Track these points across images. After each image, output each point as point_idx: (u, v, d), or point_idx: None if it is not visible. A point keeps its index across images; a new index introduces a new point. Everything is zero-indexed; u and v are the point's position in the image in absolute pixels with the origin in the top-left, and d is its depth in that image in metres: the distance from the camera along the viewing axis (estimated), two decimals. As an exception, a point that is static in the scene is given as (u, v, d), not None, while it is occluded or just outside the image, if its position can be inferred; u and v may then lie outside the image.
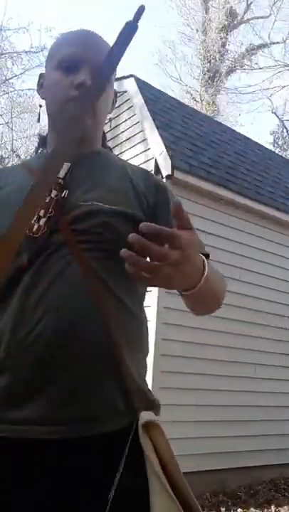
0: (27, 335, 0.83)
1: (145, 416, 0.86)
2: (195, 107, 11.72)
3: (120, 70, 7.83)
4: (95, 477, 0.82)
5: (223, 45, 15.95)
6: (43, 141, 1.15)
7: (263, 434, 4.82)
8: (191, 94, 16.49)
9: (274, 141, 17.21)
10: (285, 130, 17.14)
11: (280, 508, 4.02)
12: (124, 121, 5.29)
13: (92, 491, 0.81)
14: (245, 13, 16.28)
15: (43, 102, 1.10)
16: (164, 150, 4.40)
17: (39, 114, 1.21)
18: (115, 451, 0.83)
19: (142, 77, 5.67)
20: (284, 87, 17.53)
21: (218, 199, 4.75)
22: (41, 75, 1.11)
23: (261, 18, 13.55)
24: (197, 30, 16.33)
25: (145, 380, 0.95)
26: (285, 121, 16.89)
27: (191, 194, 4.54)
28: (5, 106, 14.67)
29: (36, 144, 1.18)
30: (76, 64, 1.01)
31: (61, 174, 0.99)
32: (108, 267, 0.90)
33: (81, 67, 1.01)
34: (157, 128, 4.67)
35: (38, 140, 1.17)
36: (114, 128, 5.31)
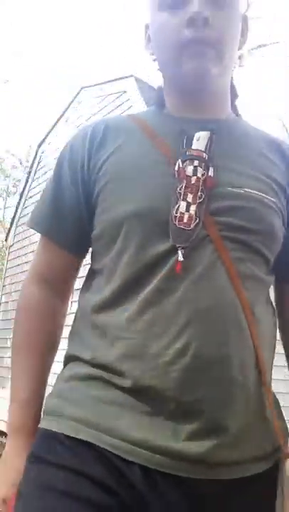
0: (164, 349, 0.68)
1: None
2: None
3: (120, 70, 7.81)
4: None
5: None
6: (160, 98, 0.86)
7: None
8: (192, 94, 16.46)
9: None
10: (285, 130, 17.14)
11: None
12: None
13: None
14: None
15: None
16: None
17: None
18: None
19: (141, 77, 5.66)
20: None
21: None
22: (146, 26, 0.84)
23: (261, 17, 13.54)
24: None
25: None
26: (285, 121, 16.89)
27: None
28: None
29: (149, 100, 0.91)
30: None
31: (201, 146, 0.76)
32: (252, 272, 0.75)
33: None
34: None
35: (155, 94, 0.88)
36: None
